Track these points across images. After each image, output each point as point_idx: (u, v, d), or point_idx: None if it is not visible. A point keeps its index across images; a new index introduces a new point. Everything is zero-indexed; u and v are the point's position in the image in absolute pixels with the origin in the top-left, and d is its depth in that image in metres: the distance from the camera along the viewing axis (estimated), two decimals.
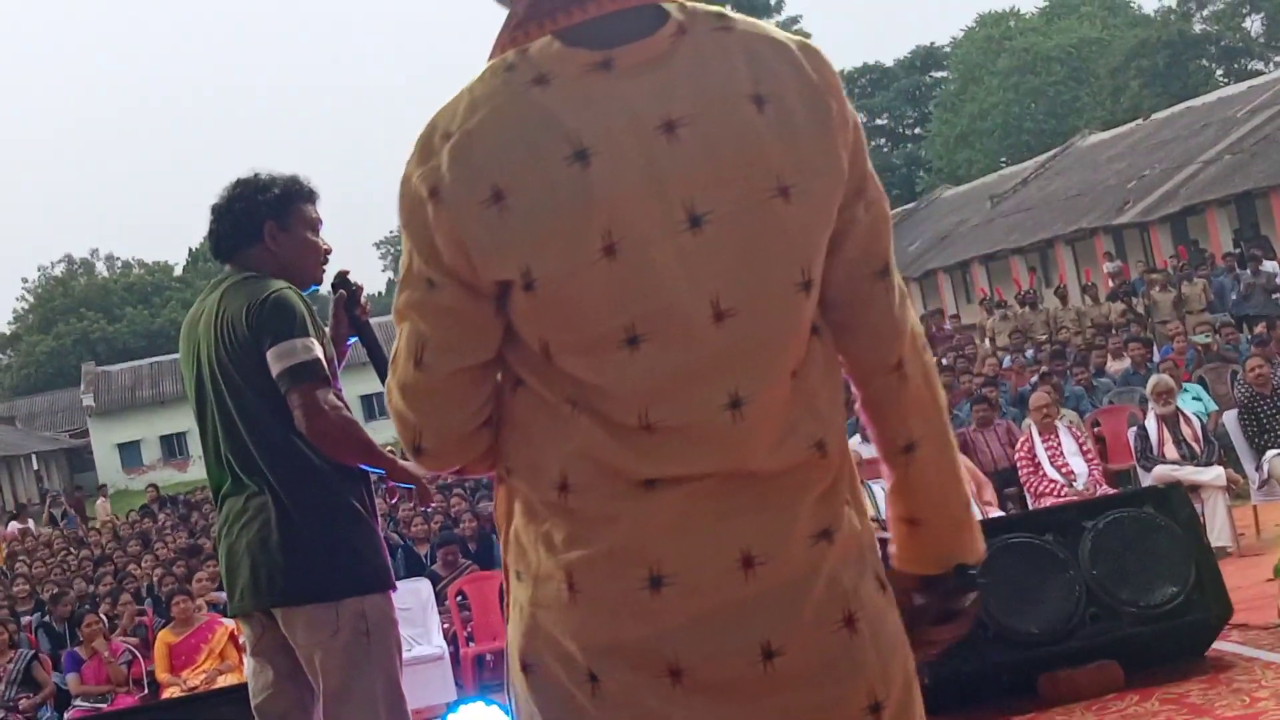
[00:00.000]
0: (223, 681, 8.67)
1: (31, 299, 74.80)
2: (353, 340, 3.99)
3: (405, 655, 3.86)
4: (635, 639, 1.76)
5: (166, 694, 8.98)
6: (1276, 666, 5.80)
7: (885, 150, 66.04)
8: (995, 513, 8.96)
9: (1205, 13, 53.92)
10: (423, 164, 1.75)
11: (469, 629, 9.57)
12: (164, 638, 9.57)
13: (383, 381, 2.04)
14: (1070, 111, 54.02)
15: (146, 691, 9.63)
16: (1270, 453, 9.34)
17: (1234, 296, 19.84)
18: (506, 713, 1.95)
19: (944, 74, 64.83)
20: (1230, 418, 9.96)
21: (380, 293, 69.72)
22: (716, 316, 1.71)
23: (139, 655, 9.94)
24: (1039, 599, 5.90)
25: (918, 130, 64.95)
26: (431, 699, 8.01)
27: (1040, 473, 9.56)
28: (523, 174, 1.68)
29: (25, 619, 12.04)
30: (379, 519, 3.79)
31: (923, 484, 1.96)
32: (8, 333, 74.54)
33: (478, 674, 9.18)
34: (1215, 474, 9.23)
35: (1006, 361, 17.14)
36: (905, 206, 52.99)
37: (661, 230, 1.70)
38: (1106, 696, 5.74)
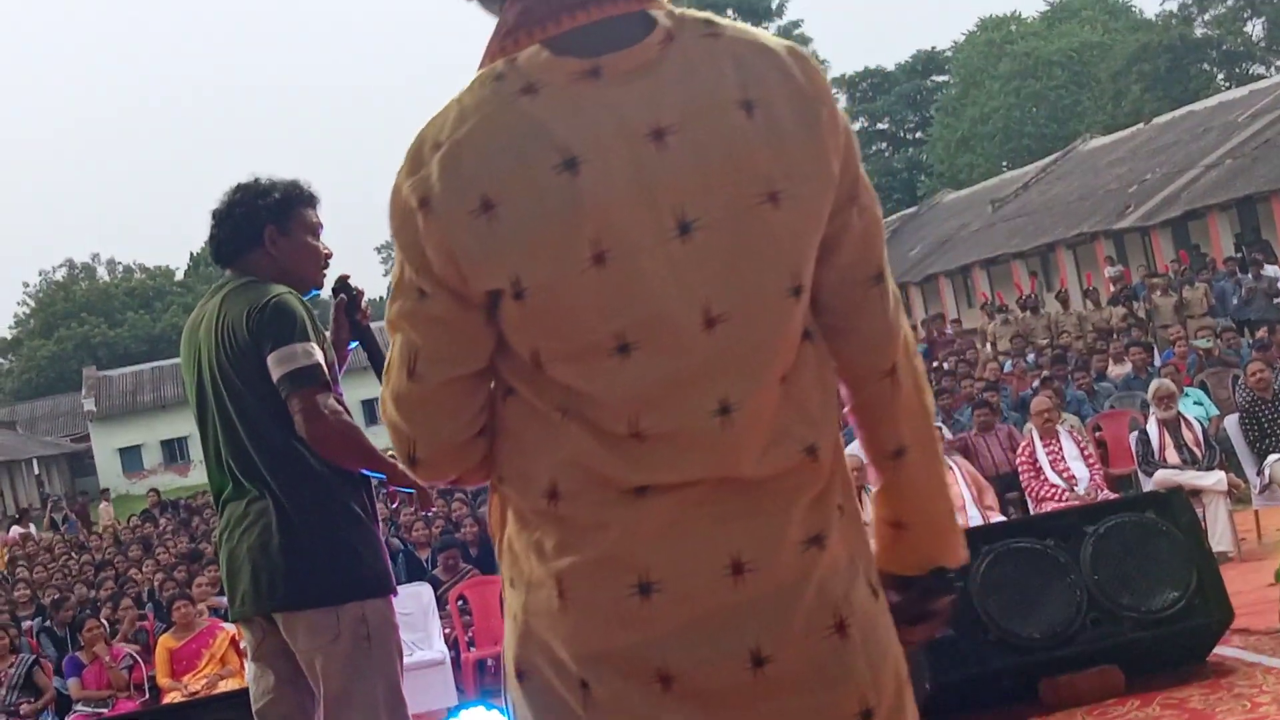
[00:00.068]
0: (224, 686, 8.68)
1: (32, 303, 74.82)
2: (353, 345, 3.99)
3: (406, 660, 3.85)
4: (625, 646, 1.76)
5: (167, 699, 8.99)
6: (1278, 672, 5.80)
7: (886, 154, 66.10)
8: (996, 517, 8.95)
9: (1206, 17, 53.92)
10: (412, 174, 1.75)
11: (470, 634, 9.56)
12: (165, 643, 9.58)
13: None
14: (1071, 116, 54.05)
15: (147, 696, 9.62)
16: (1271, 457, 9.33)
17: (1235, 301, 19.84)
18: (507, 717, 1.95)
19: (945, 78, 64.86)
20: (1231, 422, 9.96)
21: (381, 297, 69.17)
22: (707, 323, 1.71)
23: (140, 660, 9.94)
24: (1040, 604, 5.90)
25: (919, 134, 64.97)
26: (432, 704, 8.01)
27: (1041, 477, 9.55)
28: (512, 183, 1.69)
29: (26, 624, 12.04)
30: (380, 523, 3.79)
31: (911, 489, 1.98)
32: (9, 337, 74.56)
33: (479, 679, 9.18)
34: (1216, 479, 9.23)
35: (1008, 366, 17.14)
36: (906, 211, 53.04)
37: (651, 238, 1.70)
38: (1108, 701, 5.74)
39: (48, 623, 11.86)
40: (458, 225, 1.71)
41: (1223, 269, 22.49)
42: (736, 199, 1.72)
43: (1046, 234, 35.64)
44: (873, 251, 1.88)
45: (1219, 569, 6.25)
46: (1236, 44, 52.57)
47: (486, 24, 1.86)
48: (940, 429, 10.24)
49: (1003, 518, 9.03)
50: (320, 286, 3.94)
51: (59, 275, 78.52)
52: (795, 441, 1.78)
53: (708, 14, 1.84)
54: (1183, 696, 5.66)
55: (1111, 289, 24.11)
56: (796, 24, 62.35)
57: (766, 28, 61.84)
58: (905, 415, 1.94)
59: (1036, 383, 13.45)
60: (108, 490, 40.89)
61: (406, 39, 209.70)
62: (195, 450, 46.09)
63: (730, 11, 58.19)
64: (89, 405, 54.98)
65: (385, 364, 1.88)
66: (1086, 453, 9.81)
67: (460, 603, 9.80)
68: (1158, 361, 14.37)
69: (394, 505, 14.93)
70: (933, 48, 67.09)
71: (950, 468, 9.33)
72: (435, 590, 9.74)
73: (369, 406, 37.17)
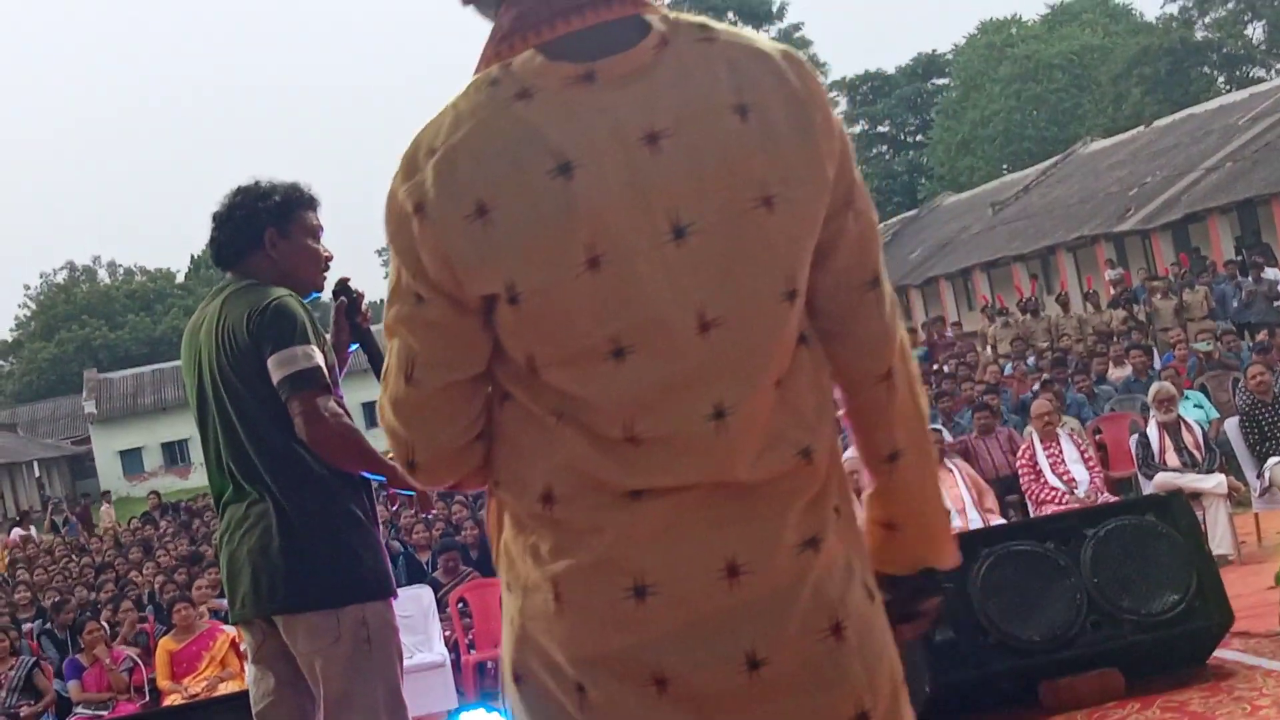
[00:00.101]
0: (224, 689, 8.68)
1: (33, 306, 74.82)
2: (354, 347, 4.00)
3: (406, 662, 3.86)
4: (620, 649, 1.76)
5: (168, 701, 8.98)
6: (1278, 674, 5.79)
7: (887, 157, 66.12)
8: (996, 520, 8.96)
9: (1207, 20, 53.92)
10: (407, 179, 1.76)
11: (470, 636, 9.56)
12: (165, 645, 9.58)
13: None
14: (1072, 119, 54.06)
15: (148, 699, 9.62)
16: (1271, 460, 9.33)
17: (1235, 304, 19.84)
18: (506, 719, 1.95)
19: (946, 81, 64.87)
20: (1232, 425, 9.95)
21: (382, 300, 69.33)
22: (701, 327, 1.72)
23: (140, 663, 9.94)
24: (1040, 606, 5.90)
25: (919, 137, 64.99)
26: (433, 706, 8.02)
27: (1042, 480, 9.55)
28: (506, 188, 1.69)
29: (26, 626, 12.04)
30: (380, 526, 3.80)
31: (904, 492, 1.99)
32: (10, 340, 74.55)
33: (479, 681, 9.17)
34: (1217, 481, 9.22)
35: (1008, 369, 17.14)
36: (907, 214, 53.06)
37: (645, 242, 1.70)
38: (1108, 704, 5.73)
39: (48, 625, 11.87)
40: (452, 230, 1.71)
41: (1223, 272, 22.48)
42: (731, 203, 1.72)
43: (1047, 237, 35.64)
44: (868, 256, 1.89)
45: (1219, 572, 6.25)
46: (1237, 47, 52.56)
47: (486, 26, 1.86)
48: (940, 432, 10.34)
49: (1003, 520, 9.02)
50: (321, 289, 3.95)
51: (60, 278, 78.57)
52: (790, 445, 1.79)
53: (703, 18, 1.84)
54: (1183, 699, 5.66)
55: (1112, 292, 24.10)
56: (797, 27, 62.42)
57: (767, 30, 61.43)
58: (901, 419, 1.94)
59: (1037, 385, 13.46)
60: (109, 492, 40.90)
61: (407, 39, 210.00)
62: (196, 453, 45.98)
63: (730, 14, 58.26)
64: (90, 407, 54.99)
65: (383, 369, 1.88)
66: (1086, 456, 9.80)
67: (460, 605, 9.80)
68: (1158, 364, 14.36)
69: (394, 508, 14.93)
70: (933, 51, 67.21)
71: (950, 470, 9.34)
72: (435, 593, 9.74)
73: (369, 409, 37.08)
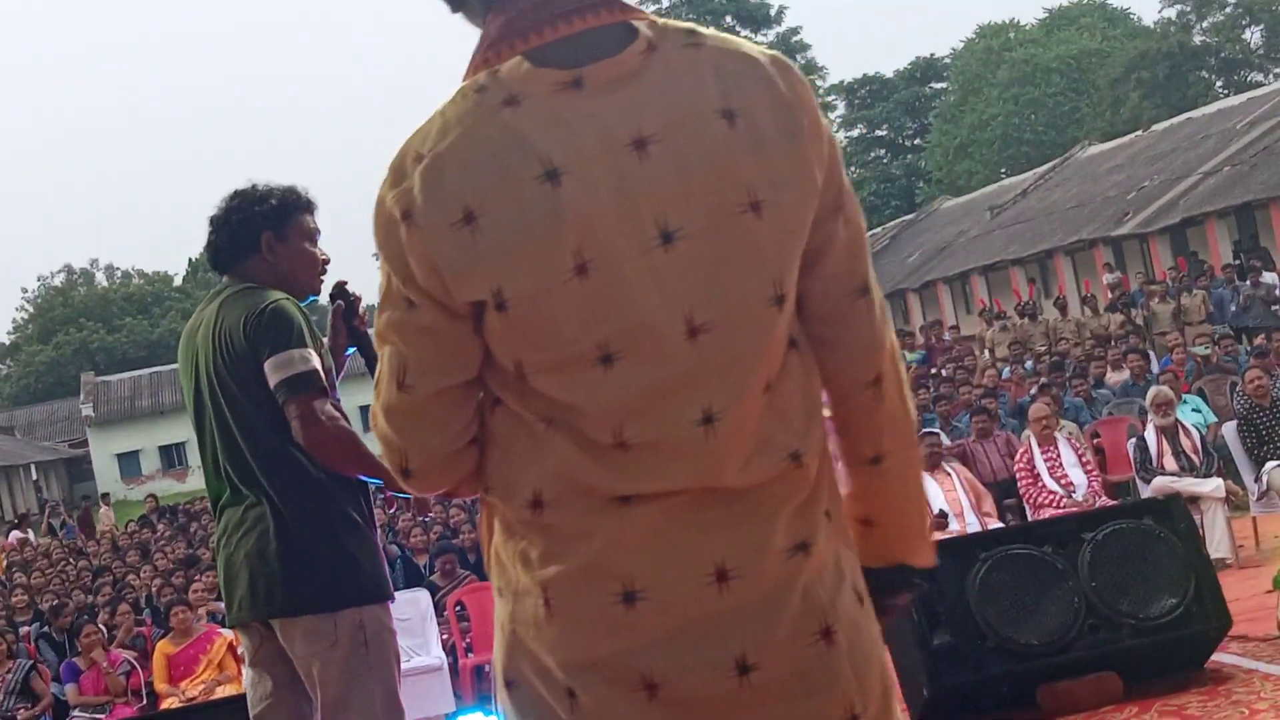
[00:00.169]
0: (221, 692, 8.67)
1: (31, 309, 74.83)
2: (351, 351, 3.99)
3: (404, 666, 3.86)
4: (610, 654, 1.76)
5: (165, 704, 8.98)
6: (1275, 678, 5.79)
7: (885, 161, 66.14)
8: (994, 524, 8.96)
9: (1205, 24, 54.03)
10: (395, 186, 1.76)
11: (468, 639, 9.57)
12: (163, 648, 9.58)
13: None
14: (1070, 123, 54.11)
15: (145, 702, 9.62)
16: (1269, 464, 9.33)
17: (1233, 308, 19.85)
18: None
19: (944, 85, 64.88)
20: (1229, 429, 9.96)
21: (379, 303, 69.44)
22: (690, 332, 1.72)
23: (138, 666, 9.93)
24: (1038, 610, 5.89)
25: (917, 141, 65.01)
26: (430, 709, 8.02)
27: (1039, 484, 9.55)
28: (494, 195, 1.69)
29: (24, 629, 12.03)
30: (377, 529, 3.80)
31: (885, 492, 1.99)
32: (7, 343, 74.56)
33: (476, 684, 9.17)
34: (1214, 485, 9.23)
35: (1006, 372, 17.13)
36: (905, 217, 53.10)
37: (634, 247, 1.70)
38: (1106, 708, 5.73)
39: (46, 628, 11.86)
40: (440, 237, 1.71)
41: (1221, 276, 22.49)
42: (719, 208, 1.72)
43: (1045, 241, 35.66)
44: (858, 262, 1.88)
45: (1217, 576, 6.26)
46: (1235, 52, 52.65)
47: (476, 33, 1.87)
48: (938, 435, 10.32)
49: (1000, 524, 9.03)
50: (318, 292, 3.94)
51: (57, 281, 78.54)
52: (779, 449, 1.79)
53: (690, 24, 1.85)
54: (1180, 703, 5.66)
55: (1110, 296, 24.14)
56: (795, 30, 62.41)
57: (765, 35, 61.22)
58: (888, 423, 1.94)
59: (1034, 389, 13.46)
60: (108, 495, 40.88)
61: (407, 45, 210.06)
62: (193, 456, 46.04)
63: (729, 19, 58.29)
64: (87, 410, 54.95)
65: (375, 377, 1.88)
66: (1084, 459, 9.81)
67: (458, 608, 9.80)
68: (1156, 368, 14.37)
69: (392, 511, 14.94)
70: (931, 55, 67.21)
71: (948, 474, 9.36)
72: (433, 596, 9.75)
73: (367, 412, 36.79)
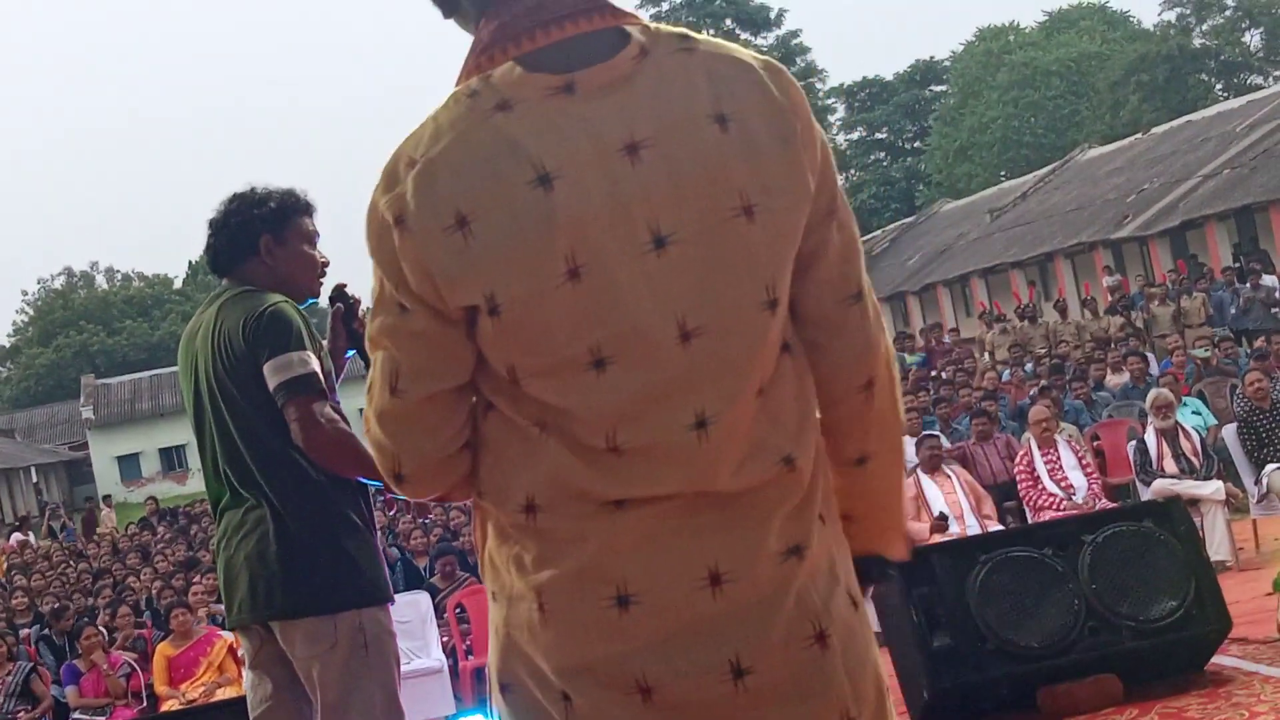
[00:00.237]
0: (221, 694, 8.67)
1: (31, 312, 74.82)
2: (351, 353, 3.99)
3: (404, 668, 3.85)
4: (604, 657, 1.76)
5: (165, 707, 8.98)
6: (1275, 681, 5.80)
7: (885, 164, 66.12)
8: (994, 526, 8.96)
9: (1205, 27, 54.04)
10: (388, 191, 1.76)
11: (468, 642, 9.56)
12: (163, 650, 9.58)
13: None
14: (1069, 125, 54.11)
15: (145, 704, 9.61)
16: (1269, 467, 9.33)
17: (1233, 311, 19.86)
18: None
19: (943, 88, 64.90)
20: (1229, 432, 9.96)
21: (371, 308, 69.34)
22: (683, 337, 1.72)
23: (138, 668, 9.93)
24: (1038, 613, 5.90)
25: (917, 144, 64.99)
26: (430, 712, 8.02)
27: (1039, 486, 9.55)
28: (486, 200, 1.69)
29: (24, 631, 12.03)
30: (377, 532, 3.79)
31: (868, 490, 2.01)
32: (7, 345, 74.56)
33: (476, 687, 9.16)
34: (1214, 488, 9.22)
35: (1006, 375, 17.12)
36: (904, 220, 53.09)
37: (626, 252, 1.70)
38: (1106, 710, 5.74)
39: (46, 630, 11.86)
40: (433, 242, 1.71)
41: (1220, 279, 22.49)
42: (711, 212, 1.72)
43: (1045, 243, 35.67)
44: (851, 267, 1.88)
45: (1217, 578, 6.26)
46: (1234, 54, 52.65)
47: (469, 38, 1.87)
48: (939, 438, 10.32)
49: (1001, 527, 9.02)
50: (317, 295, 3.95)
51: (58, 283, 78.55)
52: (772, 453, 1.79)
53: (682, 29, 1.85)
54: (1181, 705, 5.66)
55: (1109, 298, 24.14)
56: (795, 34, 62.39)
57: (765, 38, 61.17)
58: (876, 425, 1.95)
59: (1034, 392, 13.46)
60: (109, 496, 40.88)
61: (407, 46, 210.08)
62: (193, 458, 46.00)
63: (729, 21, 58.28)
64: (87, 413, 54.94)
65: (368, 382, 1.87)
66: (1084, 462, 9.81)
67: (458, 610, 9.80)
68: (1155, 371, 14.38)
69: (392, 513, 14.93)
70: (931, 57, 67.21)
71: (948, 476, 9.35)
72: (433, 598, 9.74)
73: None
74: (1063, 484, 9.51)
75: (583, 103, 1.73)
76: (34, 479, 53.40)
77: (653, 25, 1.83)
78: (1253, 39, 54.42)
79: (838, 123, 65.39)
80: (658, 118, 1.73)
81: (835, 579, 1.86)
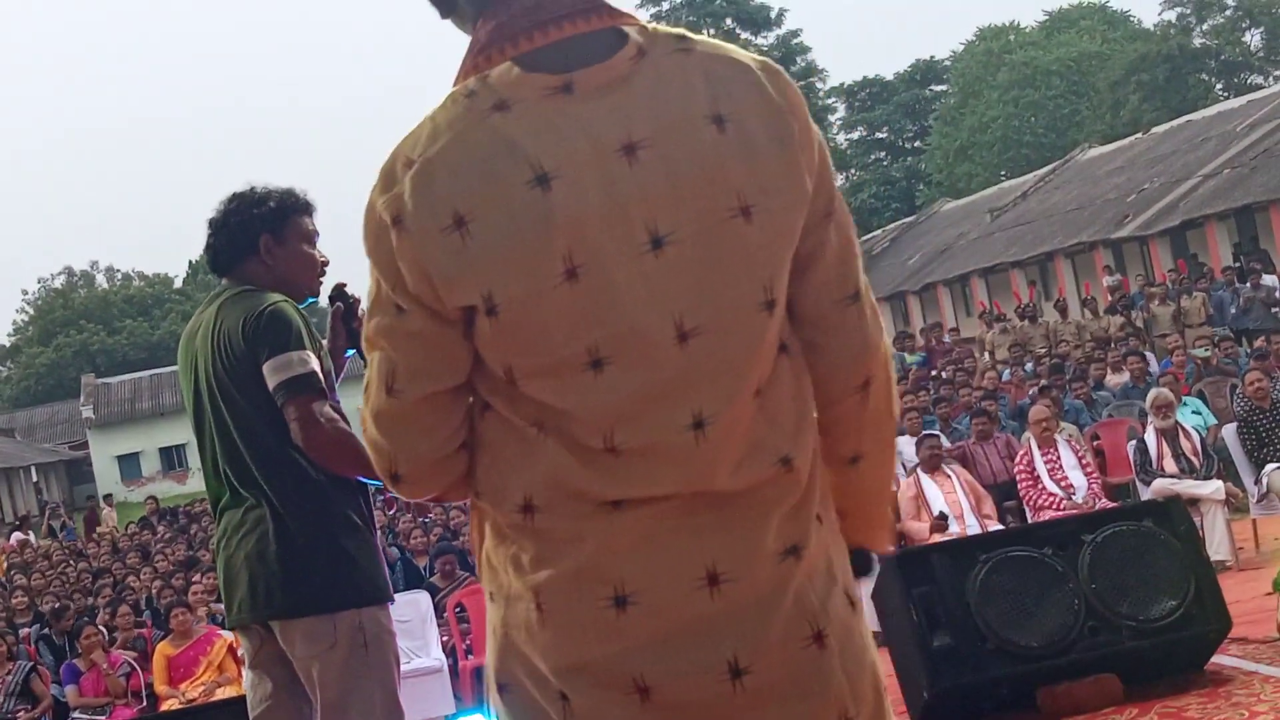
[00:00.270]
0: (221, 694, 8.67)
1: (31, 311, 74.80)
2: (350, 353, 3.99)
3: (403, 667, 3.85)
4: (602, 657, 1.76)
5: (165, 706, 8.98)
6: (1275, 680, 5.80)
7: (885, 164, 66.11)
8: (994, 526, 8.96)
9: (1205, 27, 54.03)
10: (385, 192, 1.76)
11: (468, 641, 9.56)
12: (163, 650, 9.58)
13: None
14: (1070, 125, 54.11)
15: (145, 704, 9.62)
16: (1269, 466, 9.34)
17: (1233, 310, 19.86)
18: None
19: (944, 88, 64.89)
20: (1229, 431, 9.96)
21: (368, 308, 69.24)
22: (680, 337, 1.72)
23: (138, 667, 9.93)
24: (1038, 612, 5.89)
25: (917, 144, 64.98)
26: (430, 711, 8.03)
27: (1039, 486, 9.55)
28: (484, 200, 1.69)
29: (24, 631, 12.03)
30: (377, 531, 3.79)
31: (858, 488, 2.02)
32: (7, 345, 74.53)
33: (476, 686, 9.16)
34: (1214, 488, 9.23)
35: (1006, 375, 17.13)
36: (905, 220, 53.11)
37: (623, 252, 1.70)
38: (1106, 710, 5.74)
39: (46, 630, 11.86)
40: (430, 242, 1.71)
41: (1221, 278, 22.50)
42: (708, 213, 1.72)
43: (1045, 243, 35.67)
44: (849, 268, 1.89)
45: (1217, 578, 6.26)
46: (1235, 54, 52.65)
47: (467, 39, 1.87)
48: (939, 438, 10.32)
49: (1000, 526, 9.03)
50: (317, 294, 3.95)
51: (58, 283, 78.49)
52: (770, 453, 1.79)
53: (680, 30, 1.85)
54: (1180, 705, 5.66)
55: (1109, 298, 24.14)
56: (796, 33, 62.34)
57: (766, 37, 61.06)
58: (870, 425, 1.96)
59: (1034, 391, 13.46)
60: (110, 495, 40.88)
61: (407, 46, 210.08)
62: (193, 458, 45.98)
63: (729, 21, 58.25)
64: (87, 412, 54.93)
65: (365, 382, 1.87)
66: (1084, 461, 9.81)
67: (458, 610, 9.80)
68: (1155, 370, 14.37)
69: (392, 512, 14.93)
70: (931, 57, 67.18)
71: (948, 476, 9.35)
72: (433, 597, 9.74)
73: None
74: (1063, 484, 9.51)
75: (580, 103, 1.73)
76: (34, 478, 53.38)
77: (650, 26, 1.83)
78: (1253, 39, 54.42)
79: (838, 122, 65.39)
80: (655, 118, 1.73)
81: (833, 579, 1.86)
